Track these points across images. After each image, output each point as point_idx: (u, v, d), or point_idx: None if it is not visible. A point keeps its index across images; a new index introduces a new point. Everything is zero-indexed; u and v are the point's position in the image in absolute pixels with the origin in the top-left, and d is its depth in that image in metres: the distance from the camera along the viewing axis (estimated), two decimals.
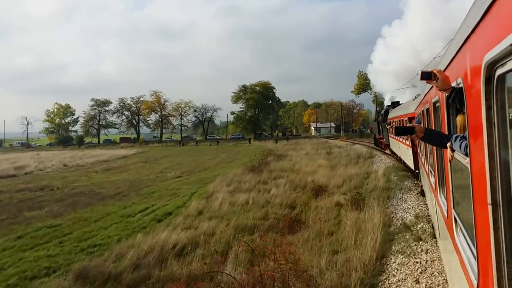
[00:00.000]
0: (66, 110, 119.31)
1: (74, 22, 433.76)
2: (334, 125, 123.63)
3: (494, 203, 1.85)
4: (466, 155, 2.64)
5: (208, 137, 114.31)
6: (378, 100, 72.04)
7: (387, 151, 32.57)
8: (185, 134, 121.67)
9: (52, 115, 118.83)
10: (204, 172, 33.03)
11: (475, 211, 2.40)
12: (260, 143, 74.09)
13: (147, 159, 48.96)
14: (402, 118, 18.55)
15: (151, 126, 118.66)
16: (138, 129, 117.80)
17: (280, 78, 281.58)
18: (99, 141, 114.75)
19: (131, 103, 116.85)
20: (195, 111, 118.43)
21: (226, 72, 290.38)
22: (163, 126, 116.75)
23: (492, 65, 1.79)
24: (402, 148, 20.64)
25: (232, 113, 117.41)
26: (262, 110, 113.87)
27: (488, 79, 1.87)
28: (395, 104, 29.34)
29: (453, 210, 3.85)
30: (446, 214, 4.52)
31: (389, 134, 27.73)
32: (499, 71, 1.74)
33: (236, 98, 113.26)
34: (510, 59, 1.57)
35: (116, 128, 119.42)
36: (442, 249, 6.34)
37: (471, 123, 2.41)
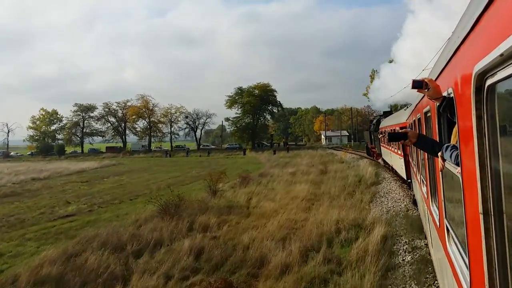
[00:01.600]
0: (53, 117, 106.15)
1: (96, 30, 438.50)
2: (347, 134, 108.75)
3: (486, 213, 1.85)
4: (457, 164, 2.65)
5: (202, 147, 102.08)
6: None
7: (379, 161, 32.70)
8: (177, 143, 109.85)
9: (37, 122, 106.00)
10: (126, 204, 21.39)
11: (466, 220, 2.40)
12: (256, 155, 62.77)
13: (99, 176, 38.45)
14: (393, 128, 18.69)
15: (139, 134, 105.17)
16: (125, 138, 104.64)
17: (299, 85, 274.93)
18: (82, 150, 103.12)
19: (117, 108, 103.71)
20: (186, 117, 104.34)
21: (246, 80, 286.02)
22: (152, 134, 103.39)
23: (482, 75, 1.81)
24: (394, 157, 20.74)
25: (227, 119, 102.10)
26: (261, 116, 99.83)
27: (478, 89, 1.89)
28: (386, 113, 29.54)
29: (445, 220, 3.85)
30: (438, 224, 4.52)
31: (381, 144, 27.86)
32: (489, 81, 1.75)
33: (231, 103, 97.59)
34: (500, 69, 1.59)
35: (101, 136, 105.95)
36: (434, 258, 6.34)
37: (461, 132, 2.43)
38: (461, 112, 2.42)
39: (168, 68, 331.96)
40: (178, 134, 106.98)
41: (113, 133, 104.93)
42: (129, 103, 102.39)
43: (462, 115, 2.39)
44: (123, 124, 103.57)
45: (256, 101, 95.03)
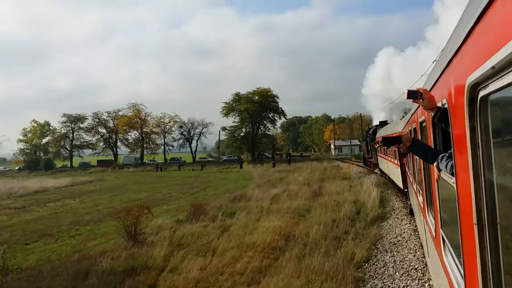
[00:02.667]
0: (44, 128, 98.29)
1: (112, 43, 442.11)
2: (359, 143, 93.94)
3: (480, 224, 1.86)
4: (453, 174, 2.66)
5: (199, 159, 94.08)
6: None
7: (376, 171, 32.74)
8: (173, 155, 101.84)
9: (29, 134, 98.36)
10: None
11: (461, 231, 2.41)
12: (254, 169, 55.10)
13: (49, 199, 32.79)
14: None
15: (130, 146, 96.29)
16: (116, 150, 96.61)
17: (314, 95, 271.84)
18: (72, 164, 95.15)
19: (108, 118, 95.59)
20: (180, 127, 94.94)
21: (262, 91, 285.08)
22: (145, 146, 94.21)
23: (475, 87, 1.83)
24: (390, 166, 20.78)
25: (224, 128, 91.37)
26: (261, 125, 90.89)
27: (472, 101, 1.90)
28: (383, 123, 29.66)
29: (441, 230, 3.86)
30: (434, 234, 4.52)
31: (378, 153, 27.93)
32: (482, 93, 1.77)
33: (228, 110, 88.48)
34: (492, 82, 1.60)
35: (91, 148, 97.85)
36: (430, 269, 6.33)
37: (455, 143, 2.44)
38: (455, 123, 2.44)
39: (182, 80, 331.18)
40: (172, 146, 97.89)
41: (104, 146, 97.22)
42: (120, 113, 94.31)
43: (456, 126, 2.41)
44: (114, 136, 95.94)
45: (256, 108, 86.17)
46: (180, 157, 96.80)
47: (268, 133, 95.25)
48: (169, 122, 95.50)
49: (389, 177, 23.41)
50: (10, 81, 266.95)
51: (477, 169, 1.88)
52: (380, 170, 28.91)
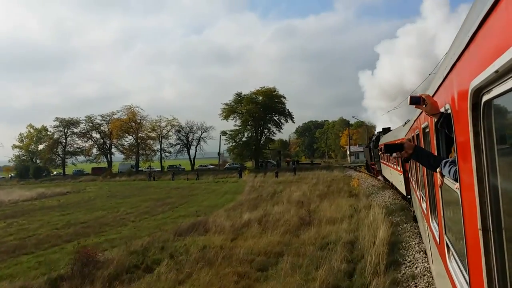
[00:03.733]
0: (41, 134, 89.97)
1: (135, 49, 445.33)
2: None
3: (485, 229, 1.85)
4: (456, 180, 2.65)
5: (199, 167, 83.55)
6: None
7: (379, 177, 32.67)
8: (171, 162, 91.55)
9: (25, 140, 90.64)
10: None
11: (466, 236, 2.39)
12: (254, 178, 48.55)
13: None
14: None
15: (125, 152, 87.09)
16: (110, 157, 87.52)
17: (335, 100, 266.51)
18: (64, 172, 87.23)
19: (102, 122, 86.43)
20: (178, 131, 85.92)
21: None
22: (141, 152, 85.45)
23: (478, 92, 1.82)
24: (393, 173, 20.74)
25: (224, 133, 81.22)
26: (266, 129, 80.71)
27: (475, 105, 1.90)
28: (386, 130, 29.64)
29: (445, 236, 3.83)
30: (438, 240, 4.50)
31: (381, 160, 27.88)
32: (485, 97, 1.77)
33: (228, 112, 78.69)
34: (495, 86, 1.60)
35: (84, 155, 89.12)
36: (435, 275, 6.28)
37: (459, 148, 2.43)
38: (458, 128, 2.44)
39: (204, 86, 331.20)
40: (169, 152, 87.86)
41: (98, 151, 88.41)
42: (115, 116, 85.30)
43: (459, 131, 2.40)
44: (108, 141, 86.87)
45: (259, 109, 76.66)
46: (179, 165, 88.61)
47: (273, 138, 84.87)
48: (166, 126, 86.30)
49: (392, 184, 23.34)
50: (35, 88, 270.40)
51: (481, 174, 1.87)
52: (383, 177, 28.83)
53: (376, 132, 39.36)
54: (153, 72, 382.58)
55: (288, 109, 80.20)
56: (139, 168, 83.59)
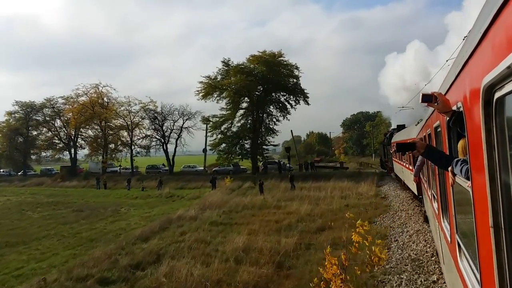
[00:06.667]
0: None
1: (198, 44, 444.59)
2: None
3: (496, 226, 1.84)
4: (468, 178, 2.64)
5: (184, 168, 58.71)
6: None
7: (392, 175, 32.55)
8: (156, 160, 63.64)
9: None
10: None
11: (477, 234, 2.38)
12: (224, 193, 30.01)
13: None
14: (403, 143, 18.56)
15: (87, 147, 64.79)
16: (75, 152, 64.34)
17: None
18: (25, 171, 66.45)
19: (65, 106, 63.41)
20: (154, 118, 58.54)
21: (346, 91, 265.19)
22: (110, 146, 62.41)
23: (491, 88, 1.81)
24: (405, 172, 20.57)
25: (206, 120, 55.30)
26: (266, 113, 53.48)
27: (487, 103, 1.89)
28: (400, 127, 29.38)
29: (456, 235, 3.81)
30: (449, 239, 4.47)
31: (393, 158, 27.72)
32: (497, 94, 1.76)
33: (208, 89, 51.70)
34: (508, 82, 1.59)
35: (46, 148, 67.11)
36: (446, 275, 6.24)
37: (471, 146, 2.42)
38: (470, 126, 2.42)
39: None
40: (144, 148, 60.73)
41: (61, 145, 65.37)
42: (82, 98, 61.69)
43: (471, 129, 2.38)
44: (73, 132, 63.45)
45: (255, 84, 50.29)
46: (163, 165, 61.73)
47: (274, 126, 54.75)
48: (139, 111, 59.85)
49: (404, 182, 23.17)
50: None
51: (493, 172, 1.86)
52: (396, 175, 28.69)
53: (390, 129, 39.21)
54: (214, 67, 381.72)
55: (300, 86, 52.59)
56: (114, 168, 63.04)
